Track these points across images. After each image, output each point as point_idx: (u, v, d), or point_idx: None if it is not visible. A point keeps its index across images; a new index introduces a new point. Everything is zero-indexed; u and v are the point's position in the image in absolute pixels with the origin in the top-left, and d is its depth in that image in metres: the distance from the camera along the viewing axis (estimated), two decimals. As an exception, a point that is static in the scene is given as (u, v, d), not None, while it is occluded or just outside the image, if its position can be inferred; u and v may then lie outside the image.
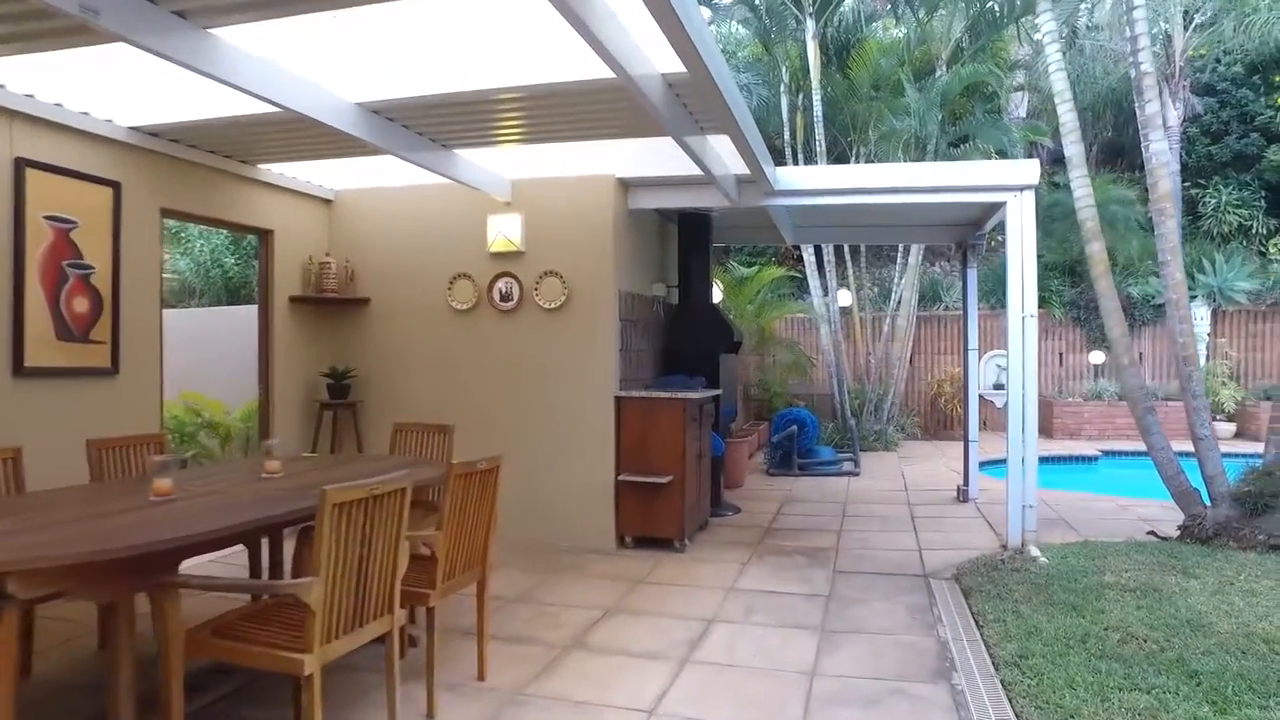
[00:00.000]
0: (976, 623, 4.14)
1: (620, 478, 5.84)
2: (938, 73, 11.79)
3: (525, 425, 6.10)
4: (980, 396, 14.54)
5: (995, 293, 14.25)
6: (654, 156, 5.79)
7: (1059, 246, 14.38)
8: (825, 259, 11.85)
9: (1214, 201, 15.13)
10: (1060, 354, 13.80)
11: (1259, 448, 10.97)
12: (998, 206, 5.94)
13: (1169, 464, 5.60)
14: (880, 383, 12.24)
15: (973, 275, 7.64)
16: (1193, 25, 14.91)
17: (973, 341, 7.66)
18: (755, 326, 11.03)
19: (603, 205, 5.97)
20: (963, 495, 7.48)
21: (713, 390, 6.52)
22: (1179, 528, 5.53)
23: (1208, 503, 5.47)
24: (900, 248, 12.07)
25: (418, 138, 5.11)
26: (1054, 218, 14.41)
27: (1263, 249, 14.53)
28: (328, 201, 6.73)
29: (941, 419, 13.83)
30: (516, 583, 5.01)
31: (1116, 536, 5.83)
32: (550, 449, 6.02)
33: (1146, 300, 13.30)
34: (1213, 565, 4.83)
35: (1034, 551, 5.32)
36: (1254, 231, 14.67)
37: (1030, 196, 5.49)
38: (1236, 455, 11.28)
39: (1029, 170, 5.46)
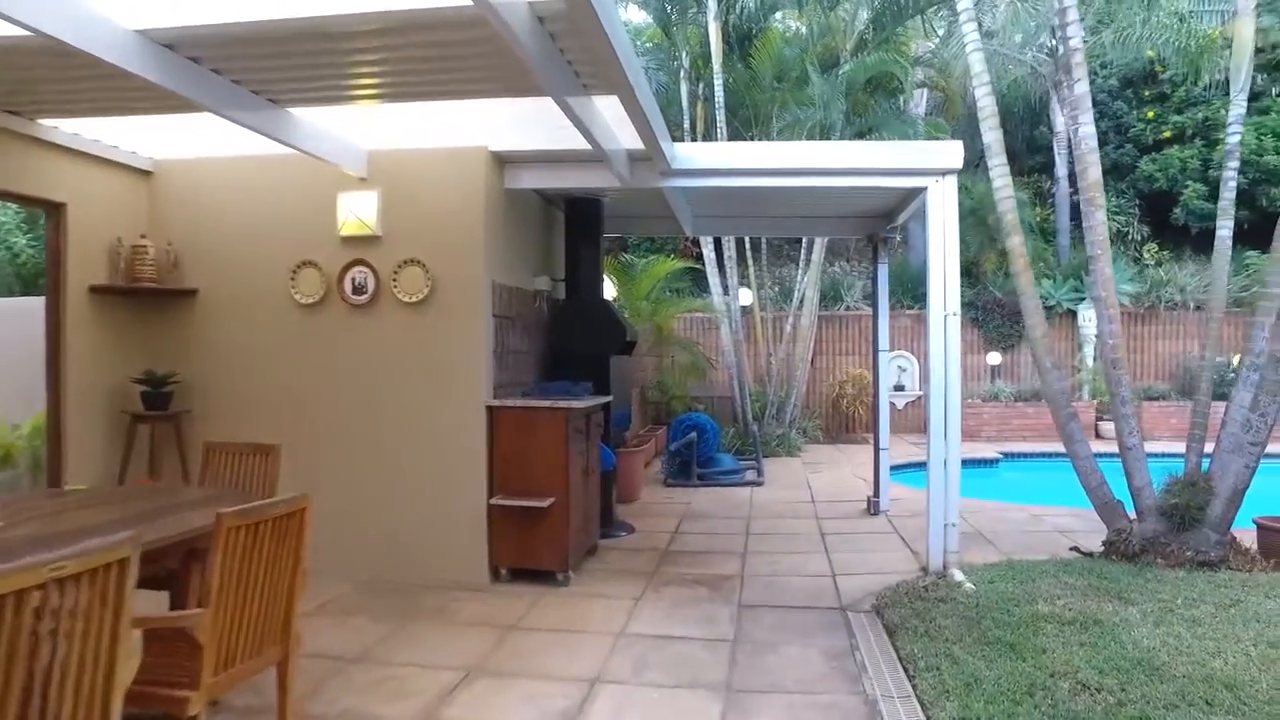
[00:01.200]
0: (906, 671, 3.52)
1: (494, 501, 4.97)
2: (842, 64, 11.42)
3: (383, 441, 5.14)
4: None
5: (895, 292, 14.13)
6: (535, 129, 4.98)
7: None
8: (726, 255, 11.29)
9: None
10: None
11: (1154, 446, 11.06)
12: (916, 193, 5.42)
13: (1092, 474, 5.21)
14: (783, 385, 11.79)
15: (883, 271, 7.17)
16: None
17: (884, 342, 7.19)
18: (652, 325, 10.34)
19: (474, 183, 5.10)
20: (873, 507, 6.98)
21: (602, 397, 5.75)
22: (1104, 543, 5.14)
23: (1131, 514, 5.10)
24: (803, 244, 11.63)
25: (235, 89, 4.09)
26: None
27: (1138, 255, 15.01)
28: (145, 173, 5.56)
29: (843, 421, 13.54)
30: (362, 635, 4.08)
31: (1038, 553, 5.41)
32: (412, 469, 5.09)
33: (1041, 301, 13.37)
34: (1146, 588, 4.41)
35: (958, 576, 4.80)
36: (1129, 238, 15.14)
37: (953, 182, 4.98)
38: (1100, 455, 11.61)
39: (952, 153, 4.95)
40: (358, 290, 5.20)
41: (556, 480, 4.95)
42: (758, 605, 4.56)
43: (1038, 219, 15.22)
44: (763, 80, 10.78)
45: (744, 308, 11.87)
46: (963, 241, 13.89)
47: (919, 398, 13.64)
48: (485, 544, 5.01)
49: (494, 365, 5.16)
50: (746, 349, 11.71)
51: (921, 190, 5.13)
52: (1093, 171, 5.02)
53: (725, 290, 11.39)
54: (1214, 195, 14.77)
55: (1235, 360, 12.39)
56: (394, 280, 5.12)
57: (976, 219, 13.52)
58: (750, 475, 8.89)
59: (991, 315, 13.53)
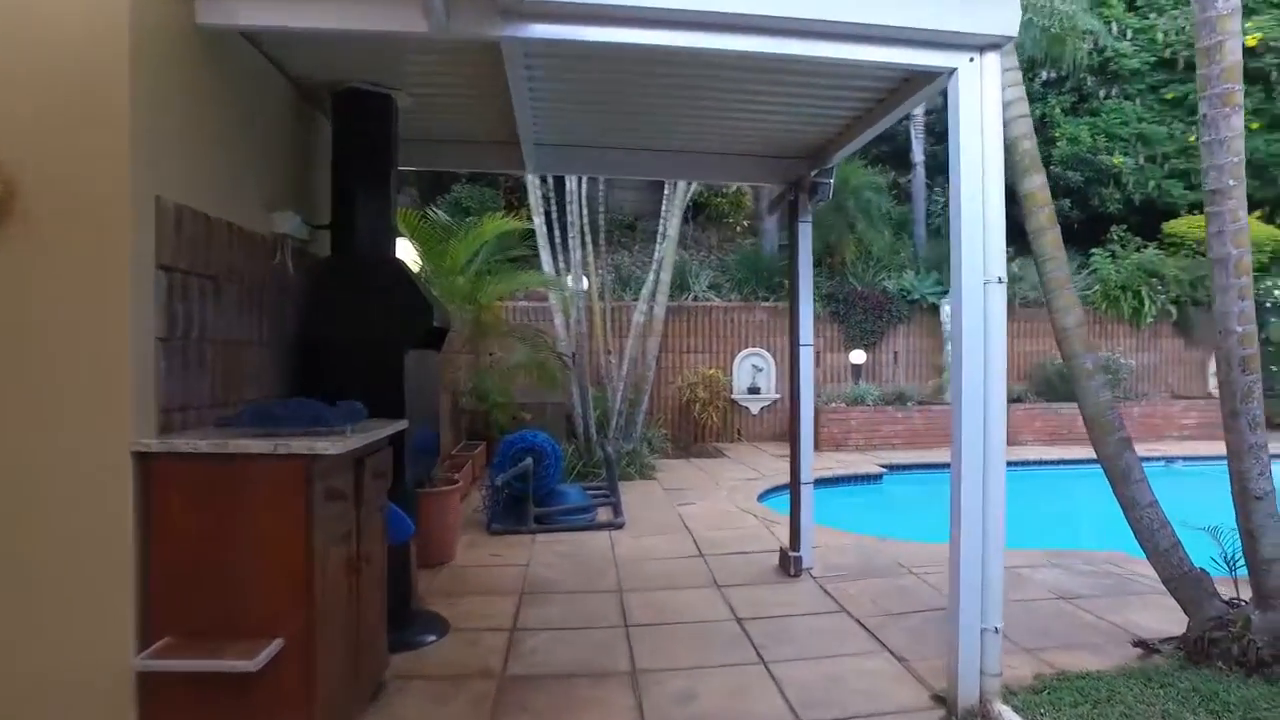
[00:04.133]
0: None
1: (150, 661, 2.35)
2: None
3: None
4: (733, 401, 12.81)
5: (748, 282, 12.50)
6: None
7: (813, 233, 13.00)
8: (569, 229, 8.98)
9: (942, 200, 14.88)
10: (818, 353, 12.32)
11: (1024, 453, 10.04)
12: (921, 83, 3.40)
13: (1159, 531, 3.45)
14: (631, 389, 9.65)
15: (806, 232, 5.17)
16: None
17: (805, 334, 5.20)
18: (471, 308, 7.77)
19: (112, 6, 2.44)
20: (793, 565, 4.95)
21: (390, 422, 3.24)
22: (1189, 639, 3.39)
23: (1237, 598, 3.40)
24: (662, 212, 9.41)
25: None
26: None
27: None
28: None
29: (694, 430, 11.68)
30: None
31: (1072, 646, 3.62)
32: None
33: (902, 295, 12.27)
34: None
35: (1005, 716, 2.84)
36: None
37: (996, 66, 3.00)
38: (1034, 463, 10.69)
39: (1000, 12, 2.94)
40: None
41: (288, 599, 2.43)
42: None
43: (897, 208, 14.24)
44: None
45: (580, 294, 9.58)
46: (819, 227, 12.51)
47: (775, 401, 12.08)
48: (127, 746, 2.38)
49: (162, 366, 2.53)
50: (588, 345, 9.44)
51: (938, 76, 3.13)
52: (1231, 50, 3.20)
53: (558, 271, 9.09)
54: (1057, 192, 14.63)
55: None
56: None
57: (834, 203, 12.16)
58: (605, 514, 6.66)
59: (853, 309, 12.23)
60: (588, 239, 9.14)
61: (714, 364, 12.01)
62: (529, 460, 6.23)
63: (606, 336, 9.66)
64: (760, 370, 12.27)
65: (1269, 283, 13.04)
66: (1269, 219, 13.63)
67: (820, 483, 9.02)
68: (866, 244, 12.66)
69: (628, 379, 9.53)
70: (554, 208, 9.17)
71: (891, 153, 15.29)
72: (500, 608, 4.38)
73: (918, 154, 13.69)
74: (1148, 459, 10.95)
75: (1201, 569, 3.44)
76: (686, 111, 4.27)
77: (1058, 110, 14.42)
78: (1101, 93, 14.50)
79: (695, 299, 12.16)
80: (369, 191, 3.89)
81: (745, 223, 15.27)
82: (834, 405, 11.19)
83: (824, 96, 3.91)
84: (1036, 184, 3.67)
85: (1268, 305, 12.86)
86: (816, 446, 11.06)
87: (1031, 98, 14.89)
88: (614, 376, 9.53)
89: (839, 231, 12.44)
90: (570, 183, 8.87)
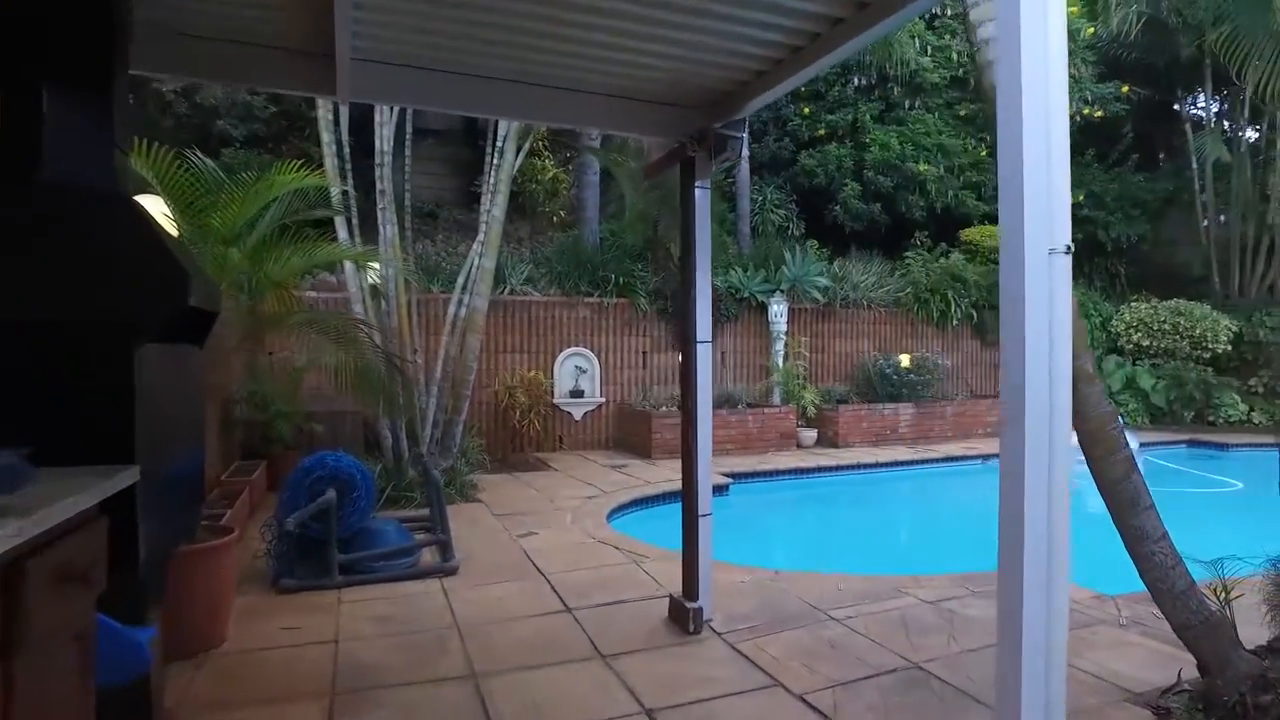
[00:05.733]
0: None
1: None
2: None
3: None
4: (555, 406, 11.64)
5: (570, 276, 11.40)
6: None
7: (639, 224, 12.21)
8: (376, 197, 7.38)
9: (760, 199, 14.72)
10: (644, 353, 11.53)
11: (856, 455, 9.82)
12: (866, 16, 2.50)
13: (1172, 571, 2.81)
14: (450, 394, 8.20)
15: (704, 201, 4.14)
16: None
17: (702, 327, 4.17)
18: (248, 294, 5.99)
19: None
20: (691, 618, 3.91)
21: (101, 474, 1.80)
22: (1206, 701, 2.76)
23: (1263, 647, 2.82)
24: (487, 183, 8.02)
25: None
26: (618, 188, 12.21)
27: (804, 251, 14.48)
28: None
29: (513, 439, 10.40)
30: None
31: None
32: None
33: (731, 293, 11.76)
34: None
35: None
36: (790, 234, 14.53)
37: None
38: (829, 470, 10.43)
39: None
40: None
41: None
42: None
43: (716, 205, 13.78)
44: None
45: (375, 287, 7.97)
46: (644, 221, 11.73)
47: (600, 405, 11.11)
48: None
49: None
50: (396, 343, 7.85)
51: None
52: None
53: (353, 237, 7.45)
54: (870, 196, 14.98)
55: (903, 360, 12.10)
56: None
57: (664, 192, 11.44)
58: (431, 554, 5.28)
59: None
60: (394, 215, 7.56)
61: (534, 365, 10.81)
62: (331, 493, 4.72)
63: (413, 333, 8.14)
64: (584, 371, 11.24)
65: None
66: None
67: (664, 497, 8.24)
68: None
69: (443, 382, 8.09)
70: (353, 182, 7.51)
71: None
72: (299, 723, 2.96)
73: (744, 148, 13.33)
74: (967, 457, 11.48)
75: (1220, 613, 2.84)
76: (558, 32, 3.12)
77: (868, 117, 14.74)
78: (907, 103, 15.01)
79: (512, 292, 10.88)
80: (73, 91, 2.35)
81: (562, 213, 14.20)
82: (667, 412, 10.41)
83: (740, 33, 2.94)
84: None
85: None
86: (648, 454, 10.39)
87: (844, 103, 15.31)
88: (425, 380, 8.05)
89: (666, 221, 11.70)
90: (381, 140, 7.28)
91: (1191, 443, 11.88)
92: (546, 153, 13.77)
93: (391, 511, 6.32)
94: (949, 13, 14.82)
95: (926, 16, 14.80)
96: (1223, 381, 13.05)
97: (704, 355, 4.12)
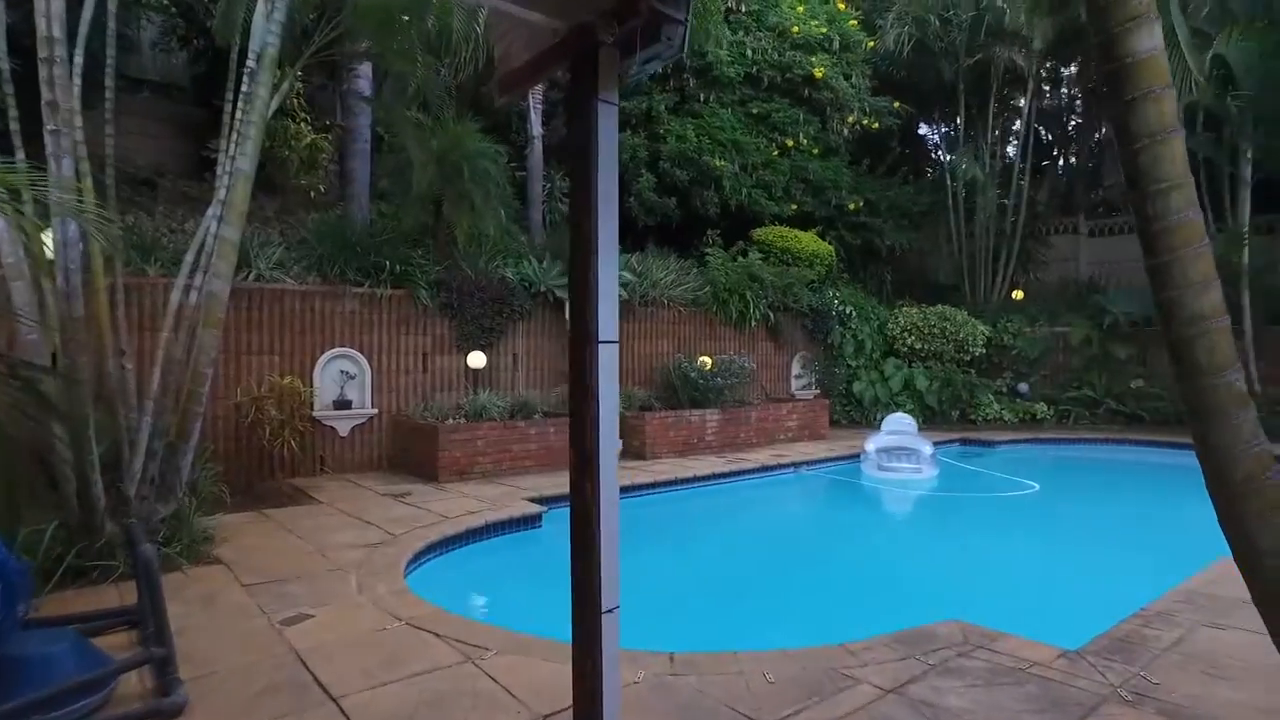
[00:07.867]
0: None
1: None
2: None
3: None
4: (315, 420, 9.42)
5: (335, 260, 9.32)
6: None
7: (416, 207, 10.33)
8: (42, 108, 5.03)
9: (549, 186, 13.46)
10: (425, 355, 9.77)
11: (668, 468, 8.79)
12: None
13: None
14: (173, 412, 5.97)
15: (609, 126, 2.73)
16: None
17: (606, 323, 2.76)
18: None
19: None
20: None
21: None
22: None
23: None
24: (230, 133, 5.88)
25: None
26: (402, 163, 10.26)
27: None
28: None
29: (262, 464, 8.23)
30: None
31: None
32: None
33: (524, 286, 10.36)
34: None
35: None
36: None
37: None
38: (646, 488, 9.10)
39: None
40: None
41: None
42: None
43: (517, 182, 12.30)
44: None
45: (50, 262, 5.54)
46: (425, 203, 9.91)
47: (371, 419, 9.23)
48: None
49: None
50: (88, 342, 5.50)
51: None
52: None
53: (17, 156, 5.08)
54: (665, 189, 14.26)
55: (705, 362, 11.45)
56: None
57: (447, 164, 9.79)
58: (138, 681, 3.38)
59: (469, 301, 9.93)
60: (75, 146, 5.26)
61: (288, 369, 8.68)
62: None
63: (118, 329, 5.86)
64: (351, 377, 9.28)
65: (831, 293, 14.35)
66: (823, 235, 15.05)
67: (472, 536, 6.68)
68: (481, 223, 10.40)
69: (164, 397, 5.90)
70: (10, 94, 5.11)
71: (505, 122, 13.36)
72: None
73: (536, 127, 11.98)
74: (779, 467, 11.04)
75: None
76: None
77: (663, 107, 14.04)
78: (702, 96, 14.52)
79: (260, 279, 8.65)
80: None
81: (321, 188, 11.92)
82: (456, 423, 8.80)
83: None
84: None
85: (832, 314, 14.12)
86: (433, 476, 8.62)
87: (639, 90, 14.48)
88: (138, 393, 5.81)
89: (454, 200, 10.03)
90: (43, 19, 4.94)
91: (964, 441, 12.51)
92: (303, 114, 11.41)
93: (72, 597, 4.22)
94: (743, 9, 14.57)
95: (723, 9, 14.39)
96: (982, 383, 14.03)
97: (608, 363, 2.75)
